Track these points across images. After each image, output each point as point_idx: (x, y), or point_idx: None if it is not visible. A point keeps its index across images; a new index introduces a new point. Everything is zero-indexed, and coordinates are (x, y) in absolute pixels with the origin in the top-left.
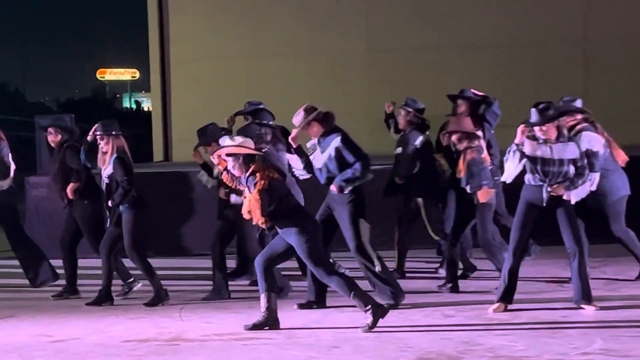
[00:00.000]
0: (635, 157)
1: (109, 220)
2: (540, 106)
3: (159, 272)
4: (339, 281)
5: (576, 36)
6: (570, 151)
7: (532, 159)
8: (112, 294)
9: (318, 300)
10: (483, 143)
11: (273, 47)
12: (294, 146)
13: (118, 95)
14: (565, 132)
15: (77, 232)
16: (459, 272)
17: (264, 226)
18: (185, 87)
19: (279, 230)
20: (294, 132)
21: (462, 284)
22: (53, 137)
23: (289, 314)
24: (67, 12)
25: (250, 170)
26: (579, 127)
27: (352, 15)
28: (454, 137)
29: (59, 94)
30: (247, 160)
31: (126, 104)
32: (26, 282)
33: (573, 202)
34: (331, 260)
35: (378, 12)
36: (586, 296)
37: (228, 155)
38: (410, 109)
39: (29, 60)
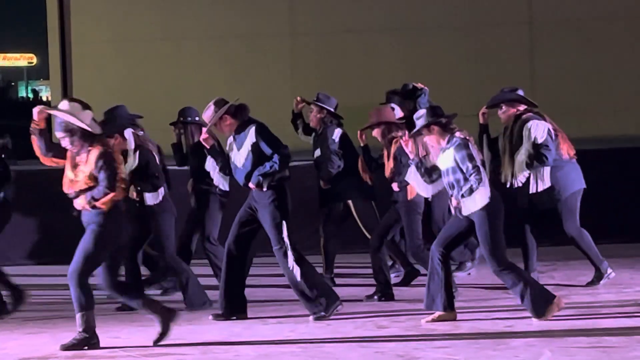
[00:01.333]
0: (586, 151)
1: None
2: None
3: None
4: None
5: (521, 19)
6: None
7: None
8: None
9: (236, 310)
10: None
11: (186, 29)
12: (207, 146)
13: (13, 83)
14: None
15: None
16: (396, 277)
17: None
18: (89, 74)
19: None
20: (204, 131)
21: (397, 291)
22: None
23: (206, 327)
24: None
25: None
26: (524, 116)
27: None
28: (375, 132)
29: None
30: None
31: (22, 93)
32: None
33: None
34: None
35: None
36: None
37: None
38: (325, 106)
39: None
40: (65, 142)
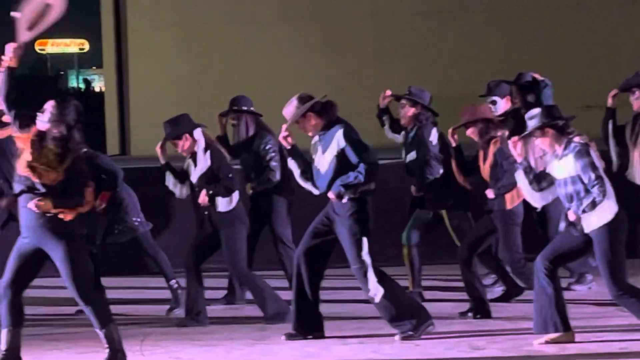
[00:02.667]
0: None
1: None
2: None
3: (116, 293)
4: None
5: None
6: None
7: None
8: None
9: (311, 328)
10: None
11: (254, 12)
12: (287, 146)
13: (62, 72)
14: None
15: None
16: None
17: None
18: (146, 62)
19: None
20: (284, 128)
21: (494, 307)
22: None
23: (278, 346)
24: None
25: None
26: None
27: None
28: (469, 131)
29: None
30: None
31: (73, 82)
32: None
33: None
34: None
35: None
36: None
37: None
38: (419, 101)
39: None
40: (47, 116)
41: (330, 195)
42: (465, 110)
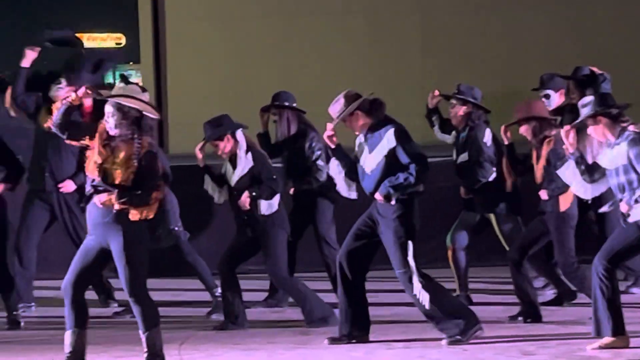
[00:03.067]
0: None
1: None
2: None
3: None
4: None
5: None
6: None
7: None
8: None
9: (356, 332)
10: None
11: (297, 4)
12: (332, 145)
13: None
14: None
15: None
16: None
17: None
18: (186, 56)
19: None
20: (330, 127)
21: (545, 312)
22: None
23: (320, 351)
24: None
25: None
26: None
27: None
28: (523, 128)
29: (19, 67)
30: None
31: (109, 78)
32: None
33: None
34: None
35: None
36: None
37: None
38: (470, 99)
39: None
40: (110, 120)
41: (378, 196)
42: (520, 107)
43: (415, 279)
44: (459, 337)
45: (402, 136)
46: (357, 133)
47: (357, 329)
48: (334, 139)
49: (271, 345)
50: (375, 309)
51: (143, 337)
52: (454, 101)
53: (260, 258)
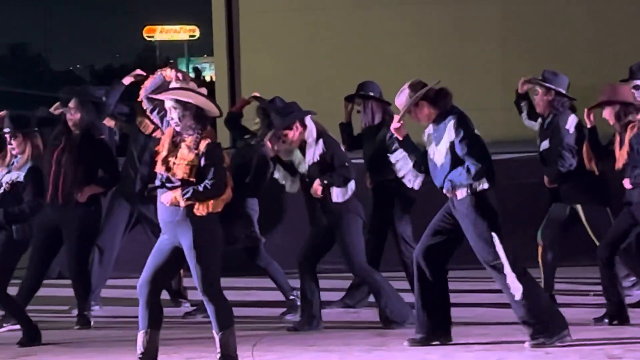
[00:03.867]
0: None
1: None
2: None
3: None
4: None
5: None
6: None
7: None
8: None
9: (437, 332)
10: None
11: None
12: (400, 137)
13: (172, 61)
14: None
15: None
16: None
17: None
18: (259, 48)
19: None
20: (397, 118)
21: (633, 313)
22: (73, 115)
23: (396, 353)
24: None
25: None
26: None
27: None
28: (606, 112)
29: (94, 60)
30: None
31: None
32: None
33: None
34: None
35: None
36: None
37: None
38: (552, 86)
39: (54, 17)
40: (172, 115)
41: (445, 190)
42: (604, 90)
43: (508, 269)
44: (543, 339)
45: (461, 128)
46: (424, 123)
47: (437, 330)
48: (402, 130)
49: (346, 347)
50: (456, 309)
51: (217, 338)
52: (537, 88)
53: (336, 256)
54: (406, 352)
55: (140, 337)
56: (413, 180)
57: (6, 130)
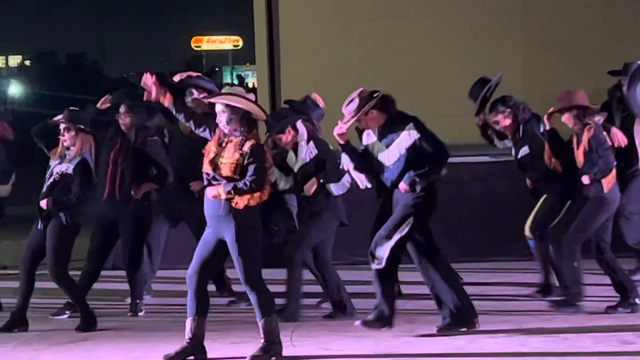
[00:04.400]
0: None
1: (38, 223)
2: None
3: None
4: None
5: None
6: None
7: None
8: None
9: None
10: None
11: (405, 6)
12: (342, 142)
13: (217, 69)
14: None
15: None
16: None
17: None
18: (298, 57)
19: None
20: (343, 126)
21: None
22: (125, 119)
23: (425, 339)
24: None
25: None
26: None
27: None
28: (565, 117)
29: (146, 68)
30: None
31: (227, 78)
32: (107, 298)
33: None
34: None
35: None
36: None
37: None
38: (504, 108)
39: (109, 28)
40: (222, 118)
41: (402, 186)
42: (561, 97)
43: (391, 243)
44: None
45: (423, 128)
46: (370, 130)
47: (466, 316)
48: (345, 136)
49: (378, 333)
50: (479, 300)
51: (260, 324)
52: (493, 118)
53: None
54: (434, 338)
55: (189, 323)
56: (364, 180)
57: (62, 122)
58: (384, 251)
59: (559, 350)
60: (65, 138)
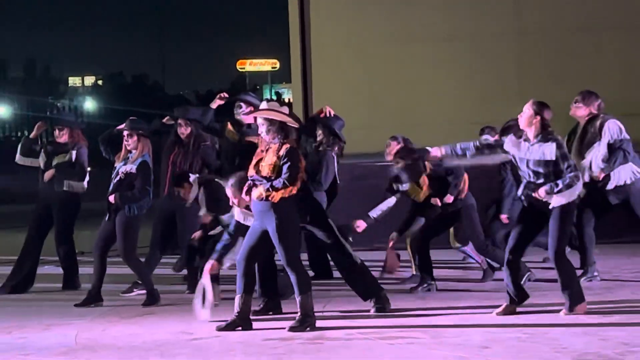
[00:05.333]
0: None
1: (107, 215)
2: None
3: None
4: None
5: None
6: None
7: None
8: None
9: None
10: None
11: (415, 32)
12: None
13: (258, 87)
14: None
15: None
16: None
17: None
18: (327, 75)
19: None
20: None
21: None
22: (183, 130)
23: (429, 312)
24: (206, 3)
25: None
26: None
27: None
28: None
29: (199, 86)
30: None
31: (267, 95)
32: (164, 277)
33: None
34: None
35: None
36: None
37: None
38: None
39: (168, 53)
40: (262, 129)
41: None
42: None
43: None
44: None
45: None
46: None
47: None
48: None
49: (398, 304)
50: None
51: (297, 300)
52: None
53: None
54: (443, 312)
55: (237, 299)
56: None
57: (125, 130)
58: None
59: (550, 322)
60: (129, 143)
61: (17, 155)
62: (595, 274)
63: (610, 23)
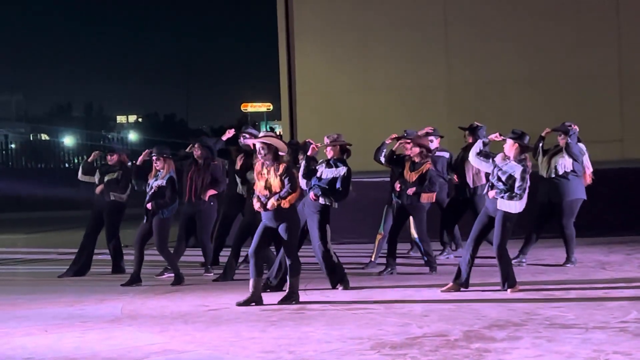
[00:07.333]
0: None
1: (145, 218)
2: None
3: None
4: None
5: None
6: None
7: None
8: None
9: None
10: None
11: (373, 83)
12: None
13: (257, 123)
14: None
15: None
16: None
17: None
18: (308, 116)
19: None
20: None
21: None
22: (198, 152)
23: (388, 290)
24: (222, 58)
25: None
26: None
27: (433, 52)
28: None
29: (213, 122)
30: (276, 154)
31: (263, 129)
32: (187, 264)
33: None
34: None
35: (456, 50)
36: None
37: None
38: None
39: (191, 97)
40: (261, 152)
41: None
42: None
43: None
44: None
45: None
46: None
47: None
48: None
49: (379, 283)
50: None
51: (288, 280)
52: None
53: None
54: (391, 290)
55: (251, 282)
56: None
57: (154, 153)
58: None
59: (474, 298)
60: (157, 164)
61: (79, 174)
62: (523, 260)
63: (515, 77)
